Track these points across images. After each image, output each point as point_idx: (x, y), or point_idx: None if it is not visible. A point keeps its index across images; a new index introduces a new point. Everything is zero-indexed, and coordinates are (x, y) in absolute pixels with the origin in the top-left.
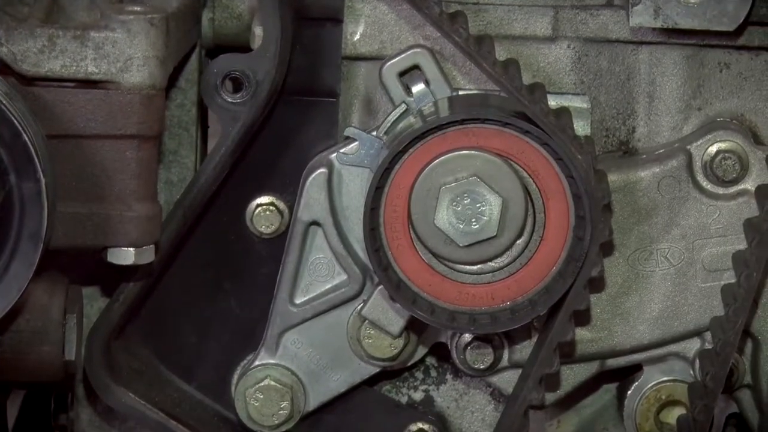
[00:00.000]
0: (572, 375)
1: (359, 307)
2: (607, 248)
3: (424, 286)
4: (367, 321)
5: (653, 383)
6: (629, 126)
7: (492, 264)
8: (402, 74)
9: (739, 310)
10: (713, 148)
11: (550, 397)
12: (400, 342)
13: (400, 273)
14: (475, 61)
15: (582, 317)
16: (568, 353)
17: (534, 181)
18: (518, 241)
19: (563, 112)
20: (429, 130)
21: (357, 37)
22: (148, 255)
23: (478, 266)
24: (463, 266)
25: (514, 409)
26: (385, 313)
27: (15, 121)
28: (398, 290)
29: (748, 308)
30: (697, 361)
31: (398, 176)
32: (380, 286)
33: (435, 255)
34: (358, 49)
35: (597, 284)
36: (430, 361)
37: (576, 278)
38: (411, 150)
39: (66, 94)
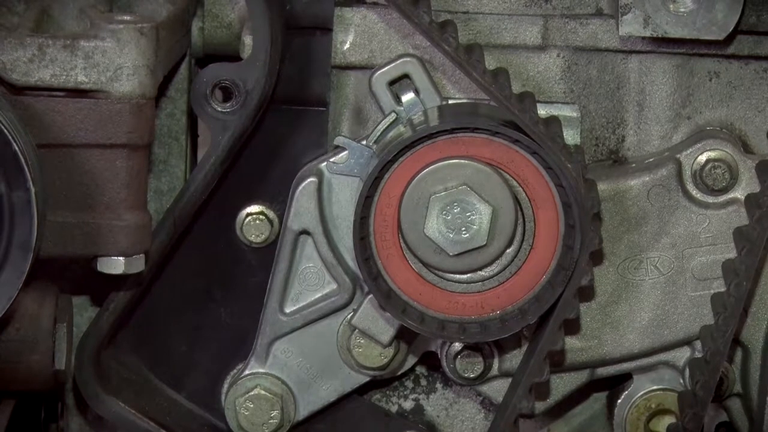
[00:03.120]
0: (562, 384)
1: (349, 316)
2: (597, 257)
3: (414, 295)
4: (357, 330)
5: (643, 392)
6: (619, 135)
7: (482, 273)
8: (392, 83)
9: (728, 319)
10: (703, 157)
11: (540, 406)
12: (390, 351)
13: (390, 282)
14: (464, 70)
15: (572, 326)
16: (557, 362)
17: (524, 190)
18: (508, 250)
19: (553, 121)
20: (419, 139)
21: (347, 46)
22: (138, 264)
23: (468, 275)
24: (453, 275)
25: (503, 418)
26: (375, 322)
27: (5, 130)
28: (388, 299)
29: (738, 317)
30: (687, 369)
31: (388, 185)
32: (370, 296)
33: (425, 264)
34: (348, 58)
35: (587, 293)
36: (420, 370)
37: (566, 287)
38: (401, 159)
39: (56, 103)
